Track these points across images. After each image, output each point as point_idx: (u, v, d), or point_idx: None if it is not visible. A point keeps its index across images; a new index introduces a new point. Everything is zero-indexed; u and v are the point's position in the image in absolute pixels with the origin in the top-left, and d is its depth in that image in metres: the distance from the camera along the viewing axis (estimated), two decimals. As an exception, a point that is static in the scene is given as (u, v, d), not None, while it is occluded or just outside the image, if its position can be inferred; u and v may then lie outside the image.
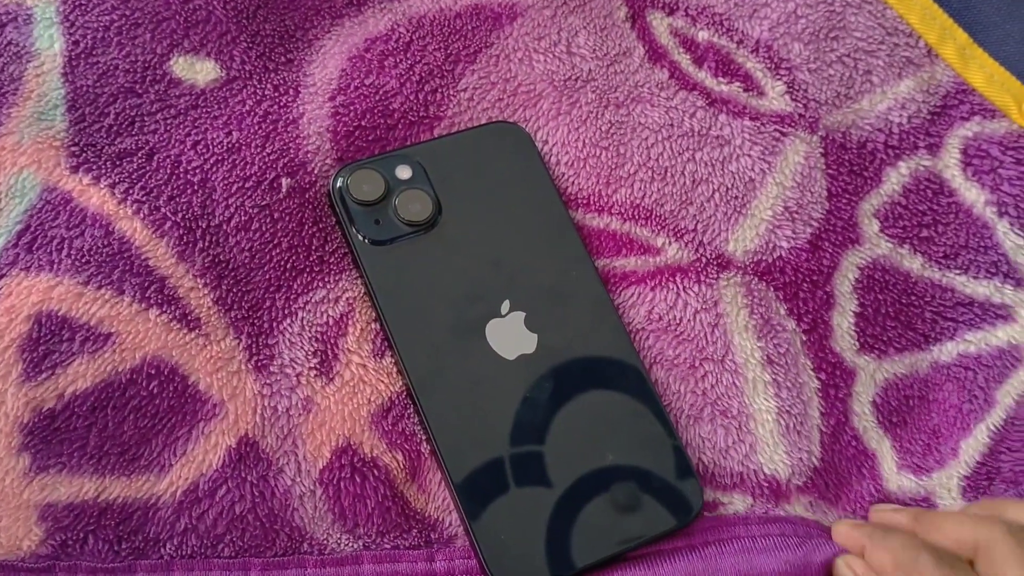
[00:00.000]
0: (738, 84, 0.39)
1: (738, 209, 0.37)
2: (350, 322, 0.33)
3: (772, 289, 0.36)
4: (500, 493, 0.31)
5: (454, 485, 0.31)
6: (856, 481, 0.34)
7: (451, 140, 0.36)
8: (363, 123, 0.36)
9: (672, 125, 0.38)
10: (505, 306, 0.34)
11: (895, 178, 0.38)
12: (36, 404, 0.30)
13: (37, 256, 0.32)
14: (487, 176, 0.36)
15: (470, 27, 0.38)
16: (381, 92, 0.36)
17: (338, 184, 0.34)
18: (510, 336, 0.33)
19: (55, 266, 0.32)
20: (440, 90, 0.37)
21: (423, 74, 0.37)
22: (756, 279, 0.36)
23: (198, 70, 0.35)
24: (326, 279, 0.34)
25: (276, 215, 0.34)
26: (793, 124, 0.38)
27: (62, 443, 0.30)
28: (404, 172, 0.35)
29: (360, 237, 0.34)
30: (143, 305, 0.32)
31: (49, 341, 0.31)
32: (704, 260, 0.36)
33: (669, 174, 0.37)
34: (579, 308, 0.34)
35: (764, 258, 0.36)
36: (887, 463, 0.34)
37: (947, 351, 0.36)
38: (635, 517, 0.32)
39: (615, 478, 0.32)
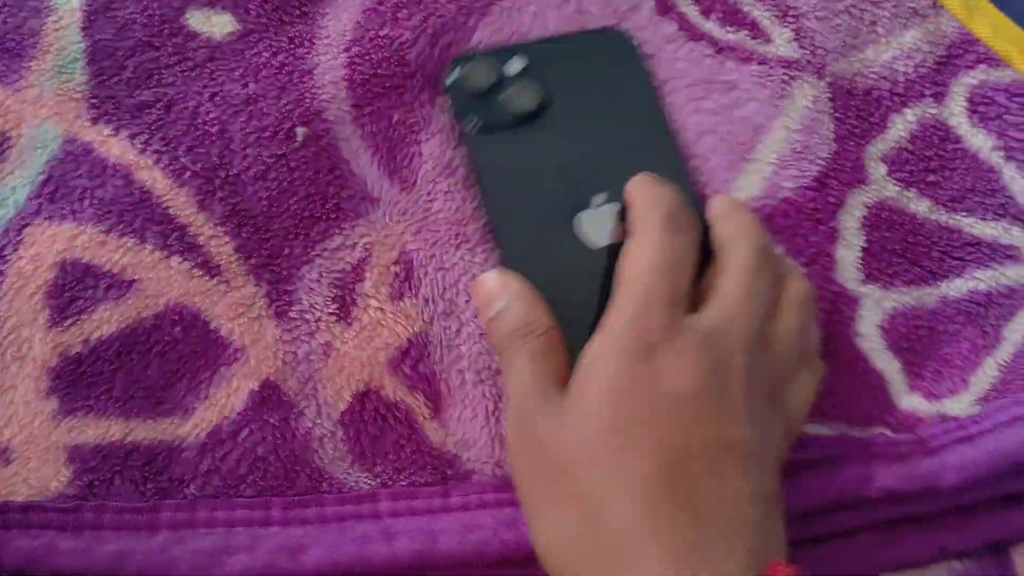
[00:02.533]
0: (745, 32, 0.39)
1: (743, 155, 0.37)
2: (367, 268, 0.34)
3: (771, 236, 0.36)
4: None
5: None
6: (867, 401, 0.34)
7: (561, 40, 0.38)
8: (378, 71, 0.36)
9: (677, 77, 0.38)
10: (600, 198, 0.35)
11: (901, 124, 0.39)
12: (63, 348, 0.31)
13: (60, 205, 0.32)
14: (593, 76, 0.38)
15: (481, -21, 0.38)
16: (396, 43, 0.37)
17: (453, 73, 0.36)
18: (601, 226, 0.35)
19: (77, 215, 0.32)
20: (453, 45, 0.37)
21: (436, 28, 0.37)
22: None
23: (214, 23, 0.36)
24: (343, 226, 0.34)
25: (293, 164, 0.35)
26: (801, 69, 0.39)
27: (89, 387, 0.31)
28: (515, 66, 0.37)
29: (470, 124, 0.36)
30: (165, 253, 0.33)
31: (74, 288, 0.31)
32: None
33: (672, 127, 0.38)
34: None
35: (768, 202, 0.37)
36: (896, 384, 0.35)
37: (956, 287, 0.36)
38: None
39: None
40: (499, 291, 0.31)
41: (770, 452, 0.29)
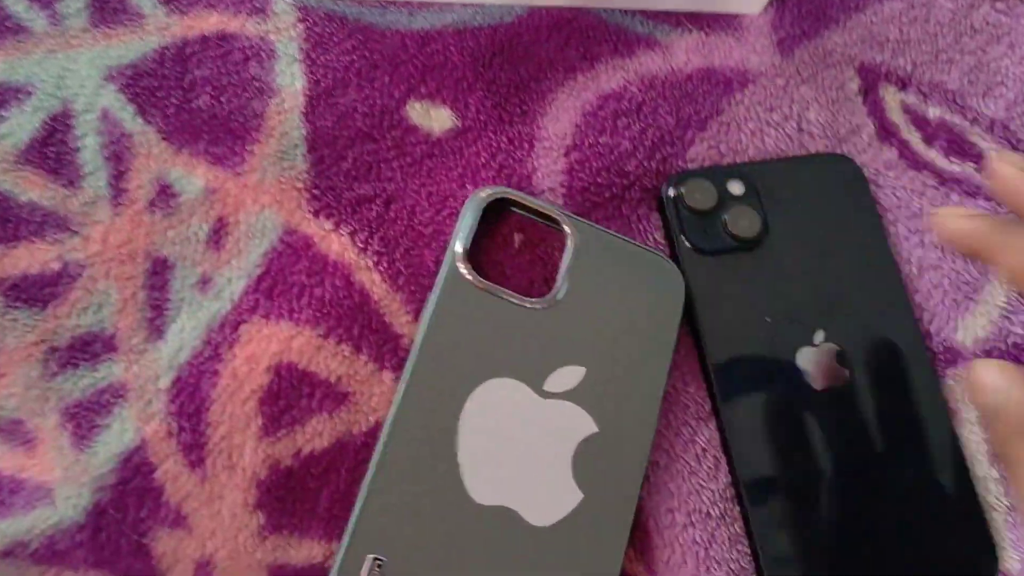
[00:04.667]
0: (971, 164, 0.37)
1: (969, 296, 0.36)
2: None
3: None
4: (791, 519, 0.32)
5: (748, 497, 0.32)
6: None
7: (784, 163, 0.36)
8: (598, 180, 0.35)
9: (900, 207, 0.37)
10: (819, 336, 0.34)
11: None
12: (273, 461, 0.29)
13: (277, 303, 0.30)
14: (816, 204, 0.36)
15: (701, 91, 0.37)
16: (616, 152, 0.35)
17: (672, 190, 0.35)
18: (821, 366, 0.33)
19: (295, 315, 0.30)
20: (670, 158, 0.36)
21: (655, 139, 0.36)
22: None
23: (434, 117, 0.34)
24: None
25: (508, 271, 0.33)
26: (1032, 210, 0.37)
27: (295, 503, 0.29)
28: (736, 187, 0.35)
29: (687, 244, 0.34)
30: (378, 365, 0.31)
31: (289, 396, 0.30)
32: (930, 354, 0.35)
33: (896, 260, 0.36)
34: (894, 354, 0.34)
35: (996, 345, 0.35)
36: None
37: None
38: None
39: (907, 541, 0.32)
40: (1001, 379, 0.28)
41: None
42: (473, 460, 0.29)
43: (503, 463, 0.29)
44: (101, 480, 0.28)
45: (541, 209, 0.33)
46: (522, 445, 0.29)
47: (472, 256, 0.31)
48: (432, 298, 0.30)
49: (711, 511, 0.32)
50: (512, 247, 0.33)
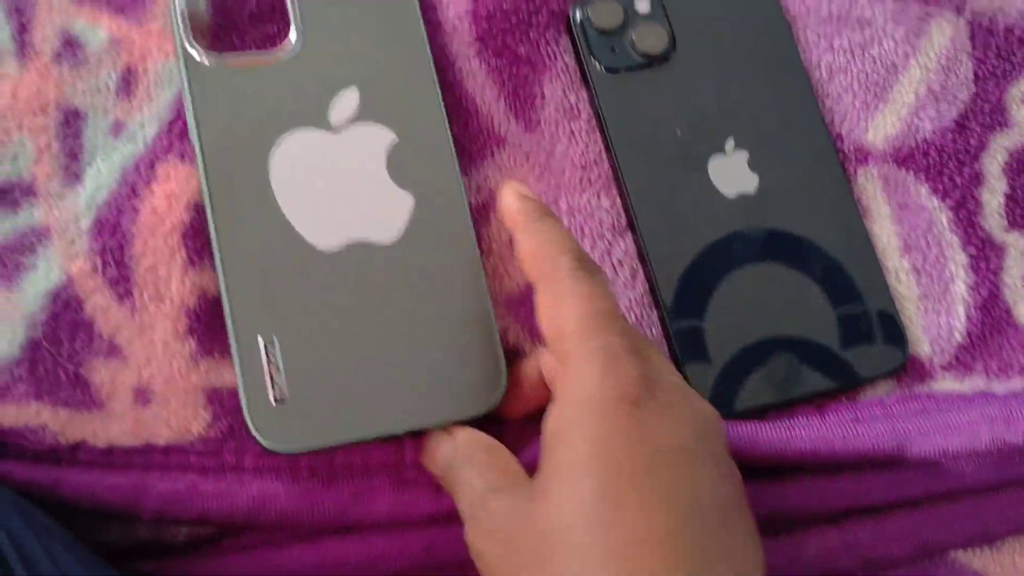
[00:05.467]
0: (880, -34, 0.37)
1: (878, 96, 0.36)
2: (491, 211, 0.33)
3: (912, 173, 0.35)
4: (699, 315, 0.33)
5: (663, 302, 0.33)
6: (1007, 352, 0.34)
7: None
8: (503, 6, 0.35)
9: (808, 13, 0.37)
10: (730, 144, 0.34)
11: (1045, 63, 0.37)
12: (201, 290, 0.30)
13: (192, 146, 0.31)
14: (723, 16, 0.36)
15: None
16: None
17: (579, 12, 0.35)
18: (731, 174, 0.34)
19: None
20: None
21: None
22: (895, 167, 0.35)
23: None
24: (468, 168, 0.34)
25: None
26: (939, 5, 0.37)
27: (224, 328, 0.30)
28: (643, 5, 0.36)
29: (596, 64, 0.35)
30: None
31: (211, 229, 0.31)
32: (842, 155, 0.35)
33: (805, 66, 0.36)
34: (804, 157, 0.35)
35: (906, 142, 0.36)
36: None
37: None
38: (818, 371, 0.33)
39: (819, 323, 0.33)
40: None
41: None
42: (305, 216, 0.30)
43: (332, 205, 0.30)
44: (32, 317, 0.29)
45: None
46: (339, 181, 0.31)
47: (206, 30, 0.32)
48: (186, 96, 0.31)
49: (627, 316, 0.33)
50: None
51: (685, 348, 0.33)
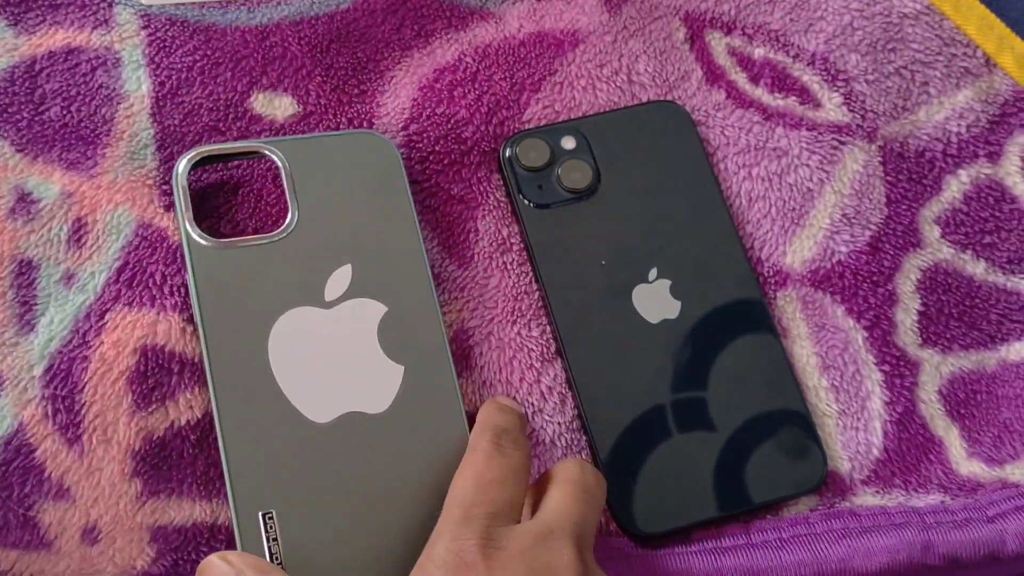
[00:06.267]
0: (794, 98, 0.40)
1: (795, 221, 0.38)
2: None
3: (829, 295, 0.37)
4: (634, 444, 0.35)
5: (593, 433, 0.35)
6: (925, 467, 0.35)
7: (614, 114, 0.39)
8: (437, 148, 0.37)
9: (728, 144, 0.39)
10: (653, 273, 0.36)
11: (955, 186, 0.39)
12: (147, 433, 0.32)
13: (139, 292, 0.33)
14: (646, 150, 0.38)
15: (534, 55, 0.39)
16: (452, 121, 0.38)
17: (508, 151, 0.37)
18: (655, 301, 0.36)
19: (158, 301, 0.33)
20: (507, 121, 0.38)
21: (491, 104, 0.38)
22: (812, 289, 0.37)
23: (277, 106, 0.37)
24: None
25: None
26: (851, 134, 0.39)
27: (170, 469, 0.32)
28: (569, 142, 0.38)
29: (525, 201, 0.37)
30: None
31: (158, 374, 0.32)
32: (762, 279, 0.37)
33: (725, 195, 0.38)
34: (724, 283, 0.37)
35: (822, 265, 0.38)
36: (955, 449, 0.35)
37: (1016, 351, 0.37)
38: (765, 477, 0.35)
39: (739, 442, 0.35)
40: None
41: None
42: (301, 391, 0.32)
43: (327, 379, 0.32)
44: (-15, 465, 0.31)
45: (242, 149, 0.35)
46: (333, 354, 0.32)
47: (209, 219, 0.34)
48: (189, 276, 0.32)
49: (556, 442, 0.35)
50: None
51: (613, 469, 0.34)
